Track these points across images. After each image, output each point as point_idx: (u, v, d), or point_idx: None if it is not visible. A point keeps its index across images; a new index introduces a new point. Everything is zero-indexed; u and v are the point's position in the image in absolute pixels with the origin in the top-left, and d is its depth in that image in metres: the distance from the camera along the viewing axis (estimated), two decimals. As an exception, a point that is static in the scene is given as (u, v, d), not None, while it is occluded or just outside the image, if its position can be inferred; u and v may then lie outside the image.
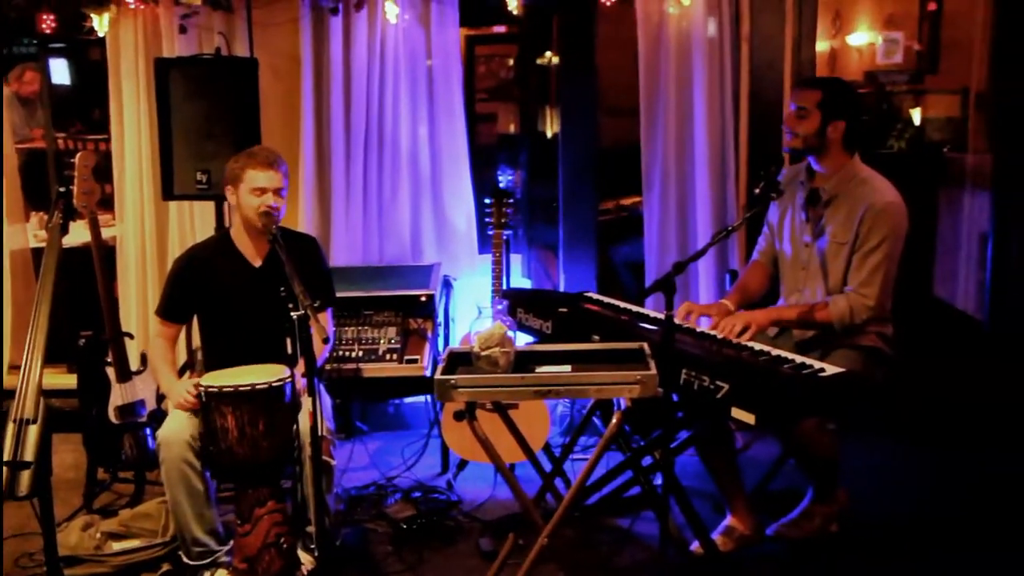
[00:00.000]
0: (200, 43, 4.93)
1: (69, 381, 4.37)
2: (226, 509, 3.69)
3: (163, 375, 3.72)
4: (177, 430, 3.45)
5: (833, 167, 3.65)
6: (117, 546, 3.75)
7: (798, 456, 3.63)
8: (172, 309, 3.78)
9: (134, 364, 4.17)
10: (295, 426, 3.26)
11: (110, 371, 4.09)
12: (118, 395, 4.08)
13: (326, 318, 3.91)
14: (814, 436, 3.45)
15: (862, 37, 6.96)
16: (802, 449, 3.52)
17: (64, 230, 3.59)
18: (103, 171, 4.86)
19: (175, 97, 4.38)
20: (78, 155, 3.97)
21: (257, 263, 3.76)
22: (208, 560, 3.54)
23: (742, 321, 3.52)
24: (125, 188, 5.10)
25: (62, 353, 4.74)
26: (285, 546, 3.46)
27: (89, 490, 4.22)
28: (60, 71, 6.61)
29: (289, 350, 3.08)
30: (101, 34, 4.92)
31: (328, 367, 4.30)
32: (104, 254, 4.11)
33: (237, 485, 3.48)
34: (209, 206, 4.72)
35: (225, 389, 3.32)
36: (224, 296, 3.73)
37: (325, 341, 3.07)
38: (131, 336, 4.33)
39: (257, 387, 3.32)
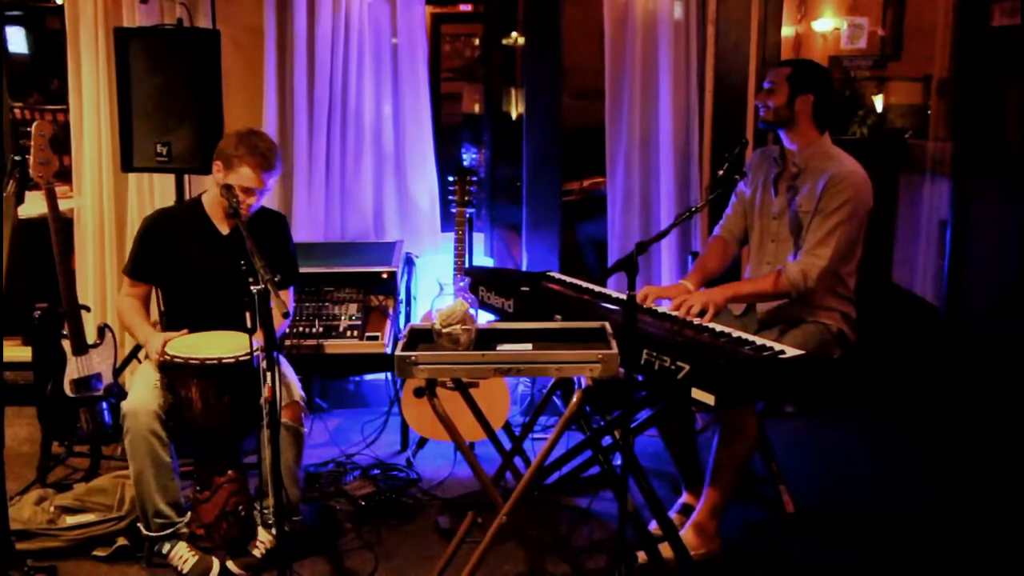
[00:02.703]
0: (162, 13, 4.84)
1: (24, 354, 4.31)
2: (184, 483, 3.67)
3: (139, 328, 3.69)
4: (144, 400, 3.43)
5: (803, 142, 3.72)
6: (71, 520, 3.71)
7: (722, 439, 3.61)
8: (140, 268, 3.77)
9: (91, 337, 4.12)
10: (261, 398, 3.25)
11: (66, 344, 4.04)
12: (74, 368, 4.03)
13: (288, 295, 3.90)
14: (746, 426, 3.50)
15: (827, 23, 6.99)
16: (732, 432, 3.54)
17: (19, 200, 3.53)
18: (61, 142, 4.78)
19: (135, 68, 4.32)
20: (35, 124, 3.90)
21: (225, 231, 3.77)
22: (168, 532, 3.52)
23: (700, 302, 3.53)
24: (83, 160, 5.01)
25: (17, 325, 4.67)
26: (243, 513, 3.47)
27: (43, 464, 4.17)
28: (17, 39, 6.49)
29: (248, 324, 3.06)
30: (59, 2, 4.84)
31: (288, 343, 4.28)
32: (61, 226, 4.05)
33: (198, 453, 3.47)
34: (169, 179, 4.67)
35: (191, 362, 3.32)
36: (189, 259, 3.72)
37: (285, 316, 3.05)
38: (88, 309, 4.28)
39: (224, 361, 3.32)
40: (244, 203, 3.61)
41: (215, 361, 3.32)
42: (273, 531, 3.51)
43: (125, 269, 3.83)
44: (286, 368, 3.71)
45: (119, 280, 4.97)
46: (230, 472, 3.47)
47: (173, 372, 3.36)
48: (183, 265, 3.73)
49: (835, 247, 3.56)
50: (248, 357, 3.35)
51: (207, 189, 3.82)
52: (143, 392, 3.47)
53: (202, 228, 3.76)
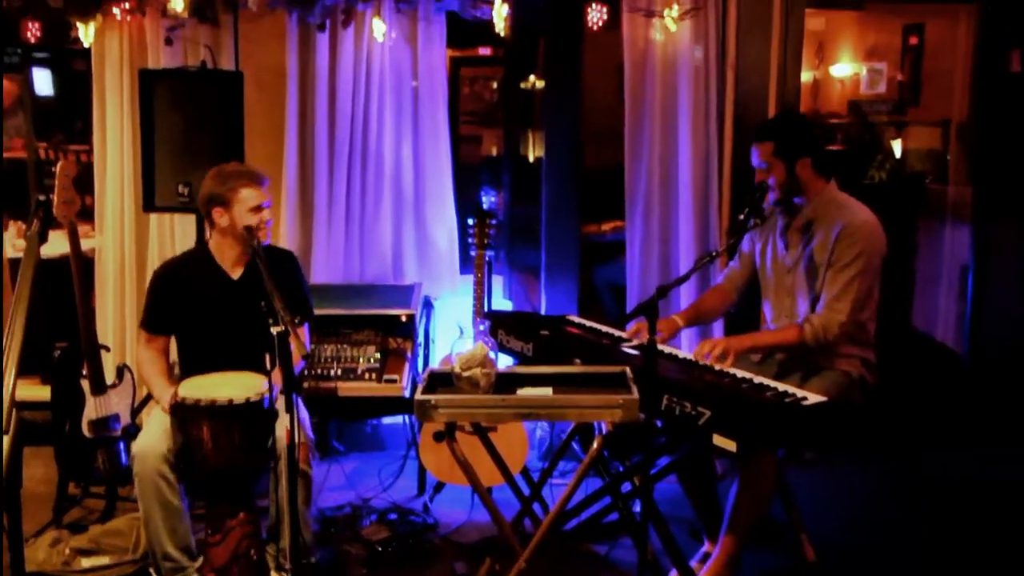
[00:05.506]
0: (186, 55, 4.90)
1: (43, 393, 4.31)
2: (198, 527, 3.64)
3: (155, 384, 3.70)
4: (153, 443, 3.43)
5: (811, 195, 3.71)
6: (86, 562, 3.70)
7: (742, 485, 3.57)
8: (154, 321, 3.78)
9: (110, 377, 4.12)
10: (272, 438, 3.24)
11: (85, 384, 4.04)
12: (92, 408, 4.03)
13: (303, 332, 3.89)
14: (765, 473, 3.46)
15: (845, 68, 7.03)
16: (752, 479, 3.50)
17: (43, 239, 3.53)
18: (84, 182, 4.81)
19: (159, 109, 4.36)
20: (59, 164, 3.93)
21: (236, 276, 3.76)
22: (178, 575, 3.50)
23: (721, 346, 3.52)
24: (106, 199, 5.05)
25: (36, 364, 4.67)
26: (254, 557, 3.44)
27: (59, 505, 4.16)
28: (43, 82, 6.55)
29: (268, 365, 3.05)
30: (86, 44, 4.87)
31: (306, 385, 4.26)
32: (83, 265, 4.06)
33: (210, 495, 3.45)
34: (190, 219, 4.68)
35: (202, 403, 3.30)
36: (202, 308, 3.72)
37: (305, 357, 3.04)
38: (107, 349, 4.28)
39: (235, 402, 3.30)
40: (262, 223, 3.66)
41: (225, 402, 3.31)
42: (284, 574, 3.48)
43: (141, 323, 3.83)
44: (299, 407, 3.69)
45: (139, 320, 4.98)
46: (242, 515, 3.44)
47: (184, 413, 3.35)
48: (197, 313, 3.73)
49: (852, 301, 3.56)
50: (259, 398, 3.34)
51: (211, 238, 3.82)
52: (153, 435, 3.47)
53: (212, 275, 3.76)
